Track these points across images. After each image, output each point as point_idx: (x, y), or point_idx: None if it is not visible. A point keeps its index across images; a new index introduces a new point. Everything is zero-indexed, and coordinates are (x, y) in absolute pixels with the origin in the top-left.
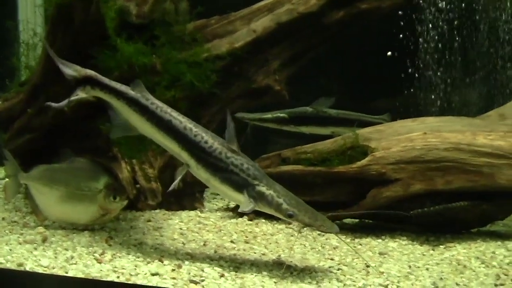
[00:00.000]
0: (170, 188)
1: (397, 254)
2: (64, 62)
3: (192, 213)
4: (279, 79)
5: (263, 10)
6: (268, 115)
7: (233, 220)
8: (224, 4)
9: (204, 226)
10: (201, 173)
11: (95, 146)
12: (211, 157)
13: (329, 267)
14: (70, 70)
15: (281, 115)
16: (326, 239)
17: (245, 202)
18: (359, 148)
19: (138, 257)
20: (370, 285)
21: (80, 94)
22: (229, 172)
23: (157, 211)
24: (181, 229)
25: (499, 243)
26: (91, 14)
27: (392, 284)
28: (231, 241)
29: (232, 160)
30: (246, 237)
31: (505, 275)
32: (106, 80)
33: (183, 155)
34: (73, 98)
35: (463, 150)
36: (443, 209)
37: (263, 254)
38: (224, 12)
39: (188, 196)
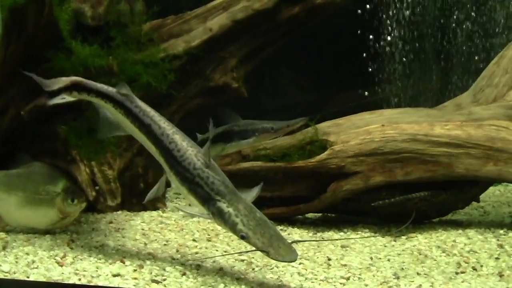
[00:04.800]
0: (148, 198)
1: (359, 246)
2: (48, 82)
3: (154, 213)
4: (237, 76)
5: (218, 8)
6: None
7: (195, 219)
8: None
9: (166, 225)
10: (172, 180)
11: (53, 149)
12: (180, 166)
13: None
14: (57, 85)
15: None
16: (288, 234)
17: (203, 214)
18: (318, 142)
19: (100, 259)
20: (331, 278)
21: (67, 98)
22: (195, 184)
23: (119, 212)
24: (143, 229)
25: (460, 231)
26: (44, 17)
27: (354, 276)
28: (193, 240)
29: (199, 172)
30: (208, 235)
31: (466, 263)
32: (92, 83)
33: (160, 160)
34: (59, 101)
35: (420, 141)
36: (404, 200)
37: (225, 252)
38: (179, 12)
39: None
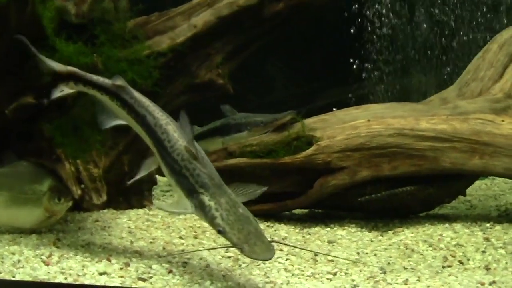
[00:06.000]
0: (132, 180)
1: (346, 241)
2: (48, 60)
3: (140, 211)
4: (222, 73)
5: (203, 4)
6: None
7: (182, 216)
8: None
9: (153, 223)
10: (164, 171)
11: (38, 148)
12: (170, 157)
13: (278, 257)
14: (52, 63)
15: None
16: (275, 230)
17: (186, 207)
18: (304, 138)
19: (86, 258)
20: (318, 274)
21: (66, 90)
22: (181, 175)
23: (105, 210)
24: (129, 227)
25: (446, 225)
26: (27, 15)
27: (341, 272)
28: (180, 237)
29: (186, 163)
30: (195, 232)
31: (452, 256)
32: (88, 75)
33: (154, 151)
34: (59, 94)
35: (406, 135)
36: (391, 195)
37: (212, 248)
38: (164, 9)
39: (136, 194)
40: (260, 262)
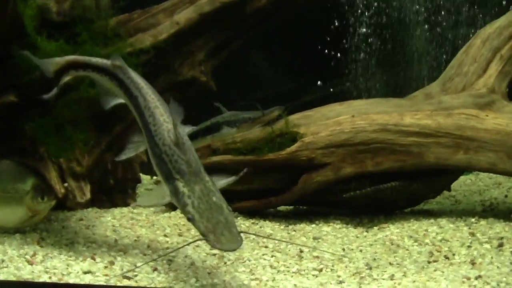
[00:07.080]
0: (119, 159)
1: (331, 238)
2: (41, 61)
3: (124, 209)
4: (205, 70)
5: (185, 1)
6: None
7: (166, 214)
8: None
9: (137, 221)
10: (148, 153)
11: (21, 147)
12: (153, 140)
13: (263, 254)
14: (51, 66)
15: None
16: (260, 227)
17: (164, 194)
18: (288, 134)
19: (70, 256)
20: (304, 270)
21: (66, 79)
22: (161, 160)
23: (89, 209)
24: (113, 226)
25: (431, 220)
26: (9, 13)
27: (326, 268)
28: (164, 235)
29: (166, 148)
30: (180, 230)
31: (438, 251)
32: (86, 59)
33: (143, 133)
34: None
35: (390, 131)
36: (375, 191)
37: (197, 246)
38: (146, 6)
39: (120, 193)
40: (245, 259)
